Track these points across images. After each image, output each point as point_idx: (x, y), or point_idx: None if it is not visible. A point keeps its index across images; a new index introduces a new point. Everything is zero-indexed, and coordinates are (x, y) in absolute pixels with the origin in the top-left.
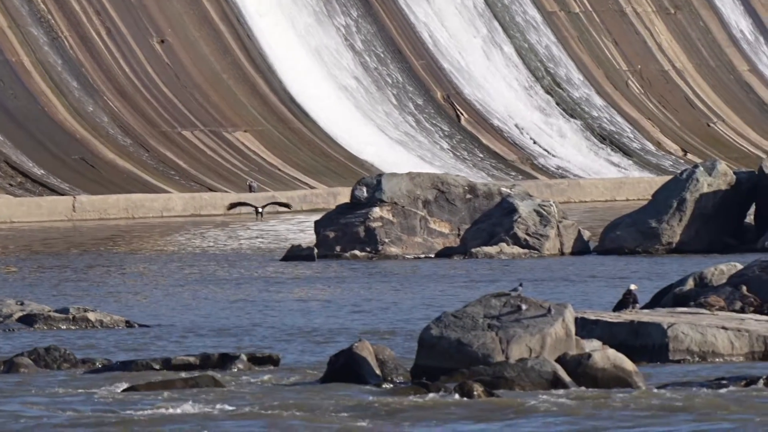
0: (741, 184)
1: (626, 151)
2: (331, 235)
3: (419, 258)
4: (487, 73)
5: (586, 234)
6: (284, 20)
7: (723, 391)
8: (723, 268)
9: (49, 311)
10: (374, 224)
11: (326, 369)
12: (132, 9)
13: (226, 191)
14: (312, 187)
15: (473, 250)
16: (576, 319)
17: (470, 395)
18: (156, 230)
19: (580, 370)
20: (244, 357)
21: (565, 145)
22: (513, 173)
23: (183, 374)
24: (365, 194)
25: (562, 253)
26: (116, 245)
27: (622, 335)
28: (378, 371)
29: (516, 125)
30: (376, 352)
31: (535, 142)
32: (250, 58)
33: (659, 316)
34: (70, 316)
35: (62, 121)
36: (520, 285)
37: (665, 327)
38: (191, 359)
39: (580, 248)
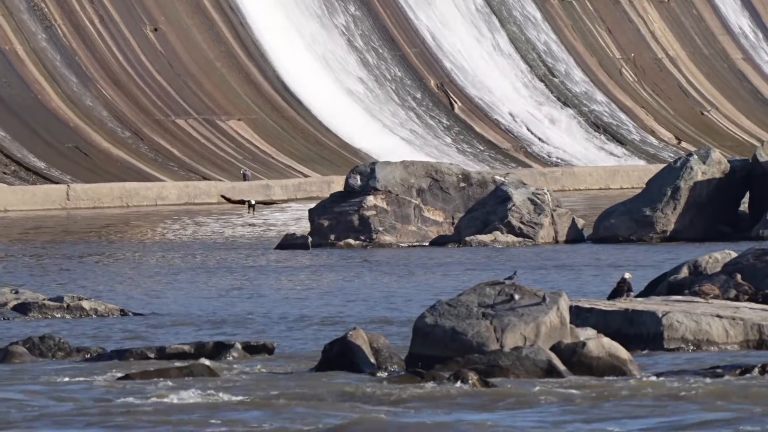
0: (735, 172)
1: (620, 140)
2: (326, 223)
3: (413, 246)
4: (481, 62)
5: (580, 222)
6: (277, 8)
7: (720, 379)
8: (717, 256)
9: (44, 300)
10: (368, 213)
11: (321, 357)
12: None
13: (221, 180)
14: (306, 176)
15: (467, 238)
16: (570, 307)
17: (465, 384)
18: (150, 219)
19: (574, 358)
20: (238, 345)
21: (558, 133)
22: (507, 161)
23: (177, 363)
24: (359, 183)
25: (556, 242)
26: (110, 234)
27: (617, 324)
28: (372, 360)
29: (510, 113)
30: (370, 340)
31: (528, 130)
32: (244, 46)
33: (654, 305)
34: (65, 305)
35: (56, 110)
36: (515, 273)
37: (660, 315)
38: (186, 348)
39: (574, 236)
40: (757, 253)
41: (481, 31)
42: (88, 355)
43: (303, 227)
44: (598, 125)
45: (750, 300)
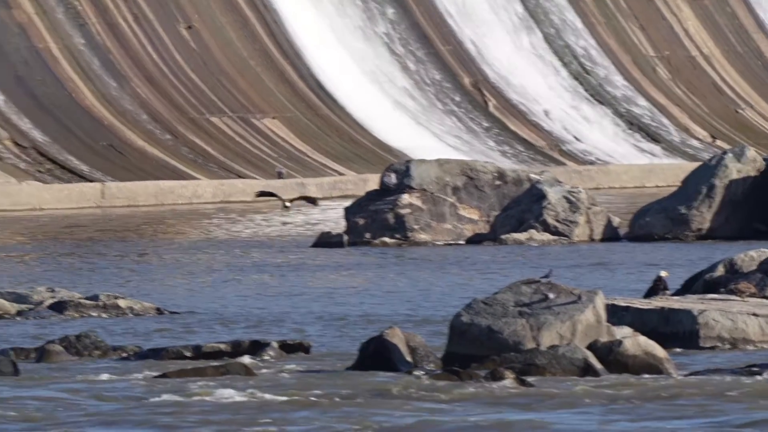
0: None
1: (654, 137)
2: (361, 221)
3: (449, 245)
4: (515, 60)
5: (616, 220)
6: (311, 6)
7: (760, 378)
8: (753, 254)
9: (80, 298)
10: (403, 211)
11: (357, 356)
12: None
13: (256, 178)
14: (341, 174)
15: (503, 236)
16: (607, 305)
17: (501, 382)
18: (185, 217)
19: (611, 357)
20: (275, 344)
21: (593, 131)
22: (542, 159)
23: (213, 362)
24: (394, 181)
25: (591, 240)
26: (146, 232)
27: (653, 322)
28: (409, 358)
29: (544, 111)
30: (407, 339)
31: (563, 128)
32: (278, 44)
33: (690, 303)
34: (101, 303)
35: (90, 108)
36: (551, 271)
37: (695, 314)
38: (222, 346)
39: (610, 235)
40: None
41: (515, 29)
42: (125, 354)
43: (338, 226)
44: (632, 123)
45: None
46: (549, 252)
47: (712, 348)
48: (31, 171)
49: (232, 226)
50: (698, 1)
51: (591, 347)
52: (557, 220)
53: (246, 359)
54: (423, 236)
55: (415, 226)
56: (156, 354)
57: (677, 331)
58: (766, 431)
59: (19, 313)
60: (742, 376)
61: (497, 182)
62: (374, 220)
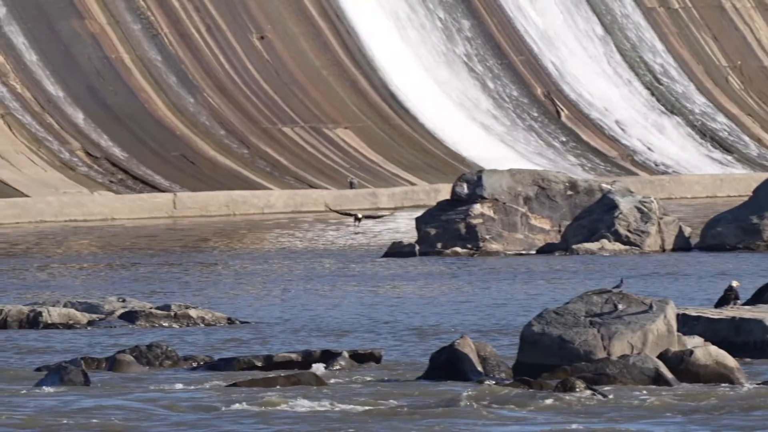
0: None
1: (727, 147)
2: (432, 231)
3: (520, 254)
4: (587, 70)
5: (687, 230)
6: (383, 16)
7: None
8: None
9: (151, 308)
10: (475, 221)
11: (428, 365)
12: (231, 5)
13: (327, 188)
14: (412, 184)
15: (574, 246)
16: (677, 315)
17: (572, 392)
18: (257, 227)
19: (682, 366)
20: (345, 354)
21: (665, 141)
22: (614, 169)
23: (284, 371)
24: (466, 191)
25: (663, 250)
26: (217, 242)
27: (724, 332)
28: (480, 368)
29: (616, 121)
30: (477, 348)
31: (635, 138)
32: (350, 54)
33: (761, 313)
34: (172, 313)
35: (162, 118)
36: (622, 281)
37: (767, 323)
38: (293, 356)
39: (681, 245)
40: None
41: (588, 40)
42: (196, 364)
43: (410, 235)
44: (704, 133)
45: None
46: (620, 262)
47: None
48: (103, 181)
49: (304, 236)
50: None
51: (662, 357)
52: (629, 230)
53: (319, 369)
54: (494, 246)
55: (487, 236)
56: (227, 364)
57: (748, 341)
58: None
59: (90, 323)
60: None
61: (569, 192)
62: (446, 229)
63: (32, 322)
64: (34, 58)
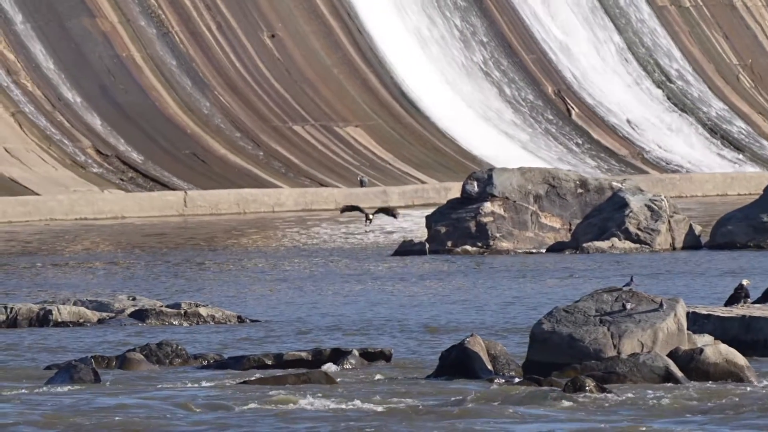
0: None
1: (738, 146)
2: (443, 230)
3: (530, 253)
4: (598, 68)
5: (698, 229)
6: (394, 14)
7: None
8: None
9: (161, 306)
10: (485, 219)
11: (438, 364)
12: (242, 4)
13: (338, 186)
14: (423, 182)
15: (585, 244)
16: (688, 313)
17: (582, 390)
18: (267, 225)
19: (692, 365)
20: (356, 352)
21: (676, 139)
22: (624, 167)
23: (294, 370)
24: (476, 189)
25: (673, 248)
26: (227, 240)
27: (734, 330)
28: (490, 366)
29: (627, 120)
30: (487, 347)
31: (646, 137)
32: (361, 52)
33: None
34: (182, 312)
35: (173, 116)
36: (632, 279)
37: None
38: (303, 354)
39: (692, 243)
40: None
41: (599, 38)
42: (206, 362)
43: (420, 234)
44: (715, 132)
45: None
46: (631, 260)
47: None
48: (113, 179)
49: (314, 235)
50: None
51: (672, 355)
52: (639, 228)
53: (330, 367)
54: (504, 244)
55: (497, 234)
56: (237, 362)
57: (758, 339)
58: None
59: (101, 321)
60: None
61: (579, 190)
62: (456, 228)
63: (42, 320)
64: (45, 57)
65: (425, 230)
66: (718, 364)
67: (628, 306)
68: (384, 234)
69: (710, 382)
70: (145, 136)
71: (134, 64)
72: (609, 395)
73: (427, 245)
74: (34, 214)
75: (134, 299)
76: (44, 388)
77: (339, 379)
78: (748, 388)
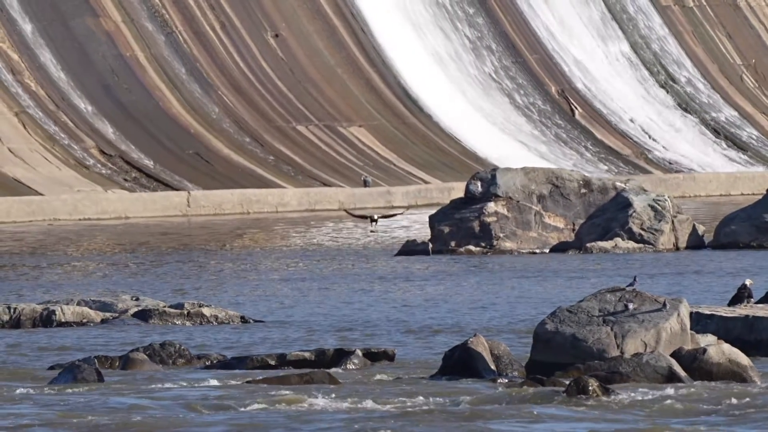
0: None
1: (741, 146)
2: (446, 230)
3: (534, 253)
4: (602, 68)
5: (701, 229)
6: (397, 14)
7: None
8: None
9: (164, 307)
10: (489, 219)
11: (441, 364)
12: (246, 3)
13: (341, 186)
14: (426, 182)
15: (588, 244)
16: (691, 313)
17: (585, 391)
18: (271, 225)
19: (695, 364)
20: (359, 352)
21: (679, 139)
22: (628, 167)
23: (297, 370)
24: (480, 189)
25: (676, 248)
26: (231, 240)
27: (737, 330)
28: (493, 366)
29: (630, 120)
30: (491, 347)
31: (649, 137)
32: (365, 52)
33: None
34: (185, 312)
35: (176, 116)
36: (635, 279)
37: None
38: (306, 355)
39: (695, 243)
40: None
41: (603, 38)
42: (209, 362)
43: (423, 234)
44: (718, 131)
45: None
46: (634, 260)
47: None
48: (117, 179)
49: (318, 235)
50: None
51: (675, 355)
52: (642, 229)
53: (341, 369)
54: (508, 244)
55: (501, 234)
56: (240, 362)
57: (761, 339)
58: None
59: (104, 321)
60: None
61: (583, 190)
62: (459, 228)
63: (46, 320)
64: (49, 56)
65: (429, 230)
66: (721, 364)
67: (631, 306)
68: (387, 234)
69: (713, 381)
70: (149, 136)
71: (138, 64)
72: (614, 396)
73: (431, 245)
74: (38, 214)
75: (137, 299)
76: (46, 389)
77: (343, 380)
78: (753, 389)
